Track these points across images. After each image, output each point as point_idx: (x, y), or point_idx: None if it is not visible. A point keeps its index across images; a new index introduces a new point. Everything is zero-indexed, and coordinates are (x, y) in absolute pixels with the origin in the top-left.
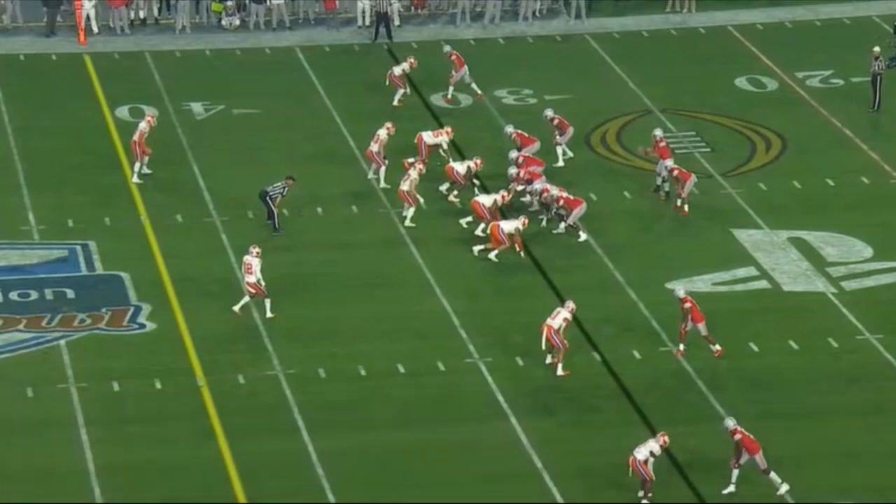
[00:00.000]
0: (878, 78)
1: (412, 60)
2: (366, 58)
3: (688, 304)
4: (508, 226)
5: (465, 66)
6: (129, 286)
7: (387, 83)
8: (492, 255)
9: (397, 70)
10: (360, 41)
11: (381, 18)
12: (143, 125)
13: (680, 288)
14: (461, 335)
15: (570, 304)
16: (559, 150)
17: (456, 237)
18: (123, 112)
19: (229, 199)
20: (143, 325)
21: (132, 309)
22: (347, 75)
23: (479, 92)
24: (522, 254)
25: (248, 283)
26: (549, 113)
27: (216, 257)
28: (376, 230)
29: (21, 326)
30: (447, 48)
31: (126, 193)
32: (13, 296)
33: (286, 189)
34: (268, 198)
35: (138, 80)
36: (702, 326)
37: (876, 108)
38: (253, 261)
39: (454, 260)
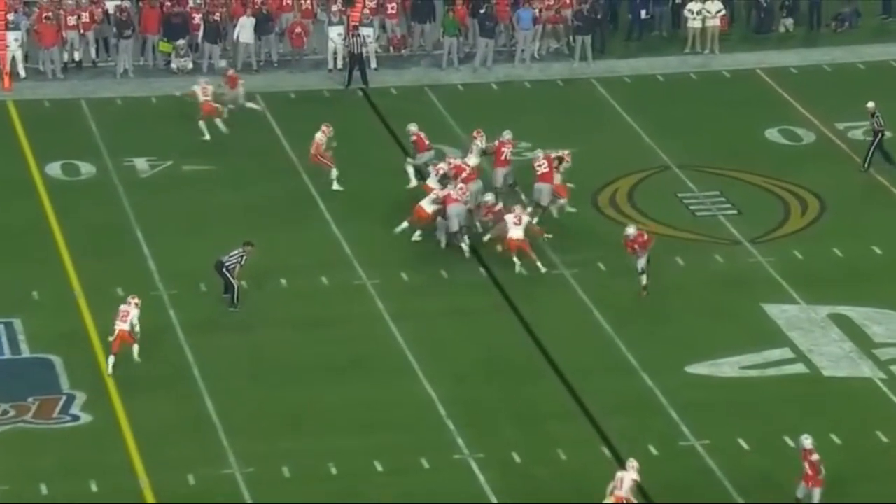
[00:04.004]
0: (878, 136)
1: (325, 129)
2: (337, 106)
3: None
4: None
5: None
6: (61, 371)
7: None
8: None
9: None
10: (331, 87)
11: (355, 60)
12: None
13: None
14: (448, 426)
15: (634, 463)
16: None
17: (440, 311)
18: (55, 169)
19: (178, 269)
20: (76, 417)
21: (64, 398)
22: (315, 126)
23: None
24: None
25: (120, 331)
26: (413, 128)
27: (162, 337)
28: (349, 305)
29: None
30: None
31: (56, 264)
32: None
33: (244, 258)
34: (224, 269)
35: (72, 132)
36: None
37: (866, 167)
38: (131, 309)
39: (438, 337)
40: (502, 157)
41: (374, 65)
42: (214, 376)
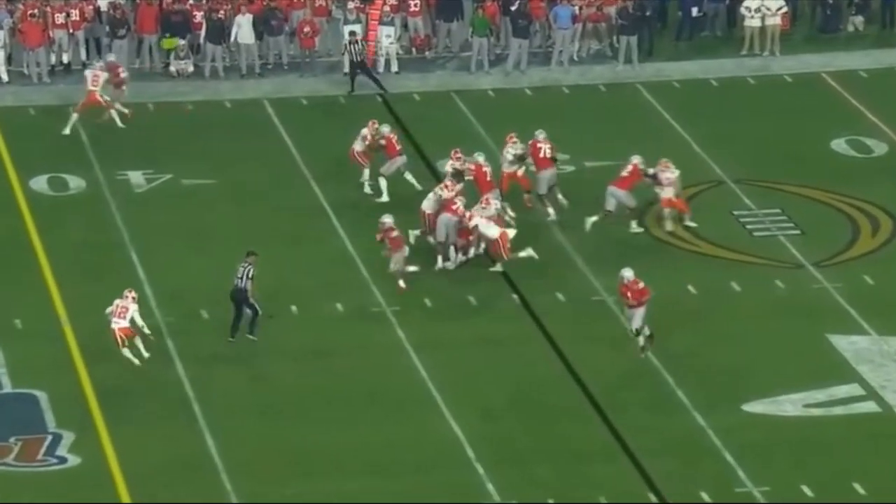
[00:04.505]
0: None
1: (372, 127)
2: (354, 113)
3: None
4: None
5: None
6: (46, 408)
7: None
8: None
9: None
10: (346, 92)
11: (357, 67)
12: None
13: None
14: (476, 468)
15: None
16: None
17: (466, 340)
18: (40, 183)
19: (177, 294)
20: (63, 459)
21: (49, 438)
22: (329, 135)
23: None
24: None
25: (120, 329)
26: (385, 130)
27: (159, 370)
28: (366, 333)
29: None
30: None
31: (41, 288)
32: None
33: (251, 270)
34: (246, 296)
35: (60, 143)
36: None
37: None
38: (129, 304)
39: (465, 369)
40: (541, 156)
41: (394, 68)
42: (216, 412)
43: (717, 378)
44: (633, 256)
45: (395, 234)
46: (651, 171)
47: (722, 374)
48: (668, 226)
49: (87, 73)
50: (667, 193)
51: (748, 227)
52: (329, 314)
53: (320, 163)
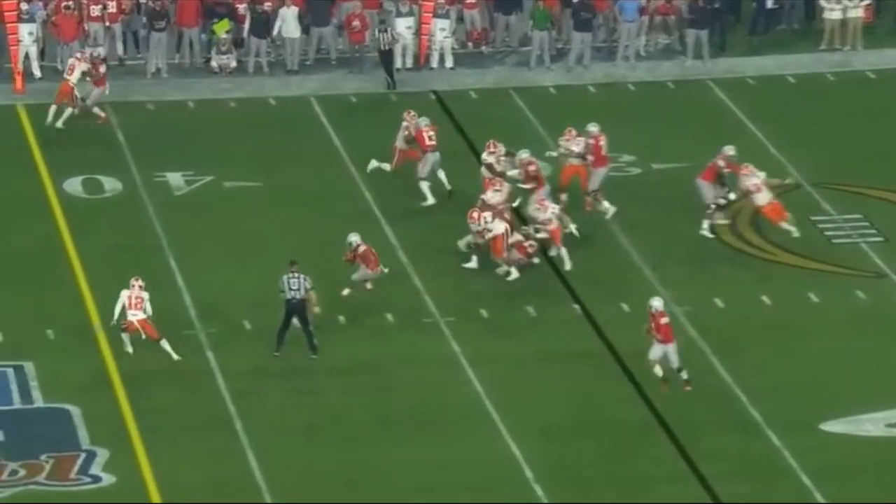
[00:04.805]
0: None
1: (410, 118)
2: (405, 109)
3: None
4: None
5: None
6: (79, 424)
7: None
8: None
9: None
10: (399, 89)
11: (387, 58)
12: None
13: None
14: (535, 490)
15: None
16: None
17: (526, 354)
18: (74, 185)
19: (217, 303)
20: (97, 478)
21: (83, 455)
22: (379, 135)
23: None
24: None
25: (138, 321)
26: (424, 123)
27: (199, 384)
28: (419, 346)
29: None
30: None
31: (74, 297)
32: None
33: (307, 280)
34: (305, 308)
35: (95, 142)
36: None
37: None
38: (142, 293)
39: (524, 385)
40: (602, 154)
41: (449, 63)
42: (259, 429)
43: (794, 396)
44: (702, 264)
45: (363, 248)
46: (724, 167)
47: (798, 391)
48: (795, 233)
49: (72, 59)
50: (760, 201)
51: (827, 233)
52: (378, 326)
53: (368, 164)
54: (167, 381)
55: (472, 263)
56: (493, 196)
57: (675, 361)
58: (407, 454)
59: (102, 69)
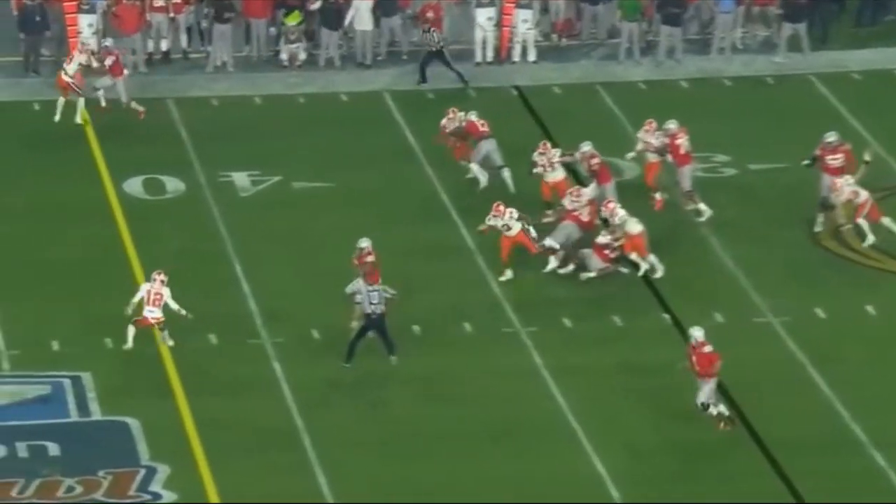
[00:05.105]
0: None
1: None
2: (485, 108)
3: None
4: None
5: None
6: (139, 438)
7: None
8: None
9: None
10: (479, 84)
11: (434, 58)
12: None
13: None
14: None
15: None
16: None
17: (612, 366)
18: (135, 186)
19: (285, 311)
20: (157, 496)
21: (142, 471)
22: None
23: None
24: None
25: (155, 319)
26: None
27: (265, 396)
28: (497, 357)
29: None
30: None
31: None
32: None
33: (386, 292)
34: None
35: (157, 140)
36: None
37: None
38: (163, 289)
39: (609, 399)
40: (682, 153)
41: (532, 56)
42: (328, 444)
43: None
44: (802, 271)
45: (370, 258)
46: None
47: None
48: (869, 239)
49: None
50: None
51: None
52: (455, 336)
53: (447, 164)
54: (231, 392)
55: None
56: (571, 203)
57: (703, 397)
58: (484, 471)
59: (109, 60)
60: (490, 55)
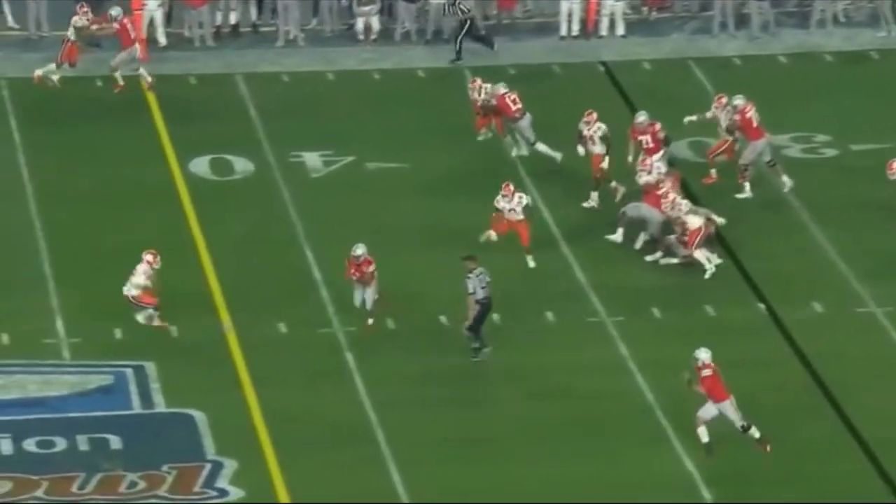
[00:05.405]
0: None
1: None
2: (570, 85)
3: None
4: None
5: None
6: (205, 431)
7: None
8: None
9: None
10: (564, 59)
11: (462, 30)
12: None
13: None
14: None
15: None
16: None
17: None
18: (202, 166)
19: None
20: (224, 492)
21: (208, 466)
22: (542, 111)
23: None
24: None
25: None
26: (501, 90)
27: (336, 388)
28: (582, 349)
29: (41, 492)
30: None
31: (200, 289)
32: (29, 445)
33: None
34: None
35: (225, 118)
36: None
37: None
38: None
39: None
40: (755, 126)
41: (620, 31)
42: (404, 440)
43: None
44: None
45: (371, 269)
46: None
47: None
48: None
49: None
50: None
51: None
52: (537, 326)
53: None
54: (301, 384)
55: (617, 236)
56: (643, 177)
57: (736, 419)
58: (566, 471)
59: (115, 26)
60: (576, 29)
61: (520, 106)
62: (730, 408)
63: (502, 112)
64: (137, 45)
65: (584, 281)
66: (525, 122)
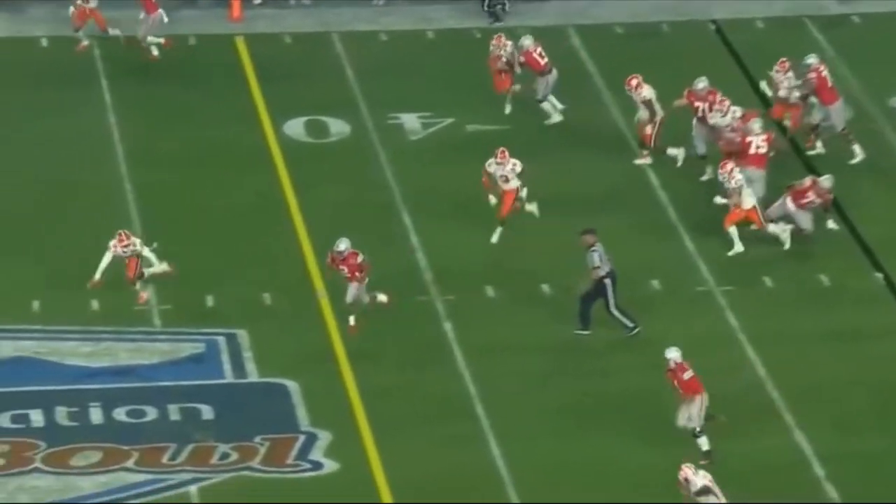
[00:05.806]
0: None
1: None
2: (680, 43)
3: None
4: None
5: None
6: (298, 402)
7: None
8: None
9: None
10: (673, 17)
11: None
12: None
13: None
14: (826, 491)
15: None
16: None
17: (818, 331)
18: (296, 128)
19: (457, 267)
20: (318, 464)
21: (302, 438)
22: (652, 72)
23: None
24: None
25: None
26: (527, 43)
27: (434, 360)
28: (688, 319)
29: (131, 463)
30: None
31: (295, 256)
32: (119, 414)
33: (598, 255)
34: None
35: (320, 78)
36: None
37: None
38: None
39: (815, 369)
40: (829, 87)
41: None
42: (504, 414)
43: None
44: None
45: (359, 259)
46: None
47: None
48: None
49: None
50: None
51: None
52: (643, 294)
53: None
54: (398, 354)
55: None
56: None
57: (698, 421)
58: (673, 449)
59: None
60: None
61: (547, 60)
62: (701, 404)
63: (530, 67)
64: (161, 11)
65: (693, 248)
66: (552, 77)
